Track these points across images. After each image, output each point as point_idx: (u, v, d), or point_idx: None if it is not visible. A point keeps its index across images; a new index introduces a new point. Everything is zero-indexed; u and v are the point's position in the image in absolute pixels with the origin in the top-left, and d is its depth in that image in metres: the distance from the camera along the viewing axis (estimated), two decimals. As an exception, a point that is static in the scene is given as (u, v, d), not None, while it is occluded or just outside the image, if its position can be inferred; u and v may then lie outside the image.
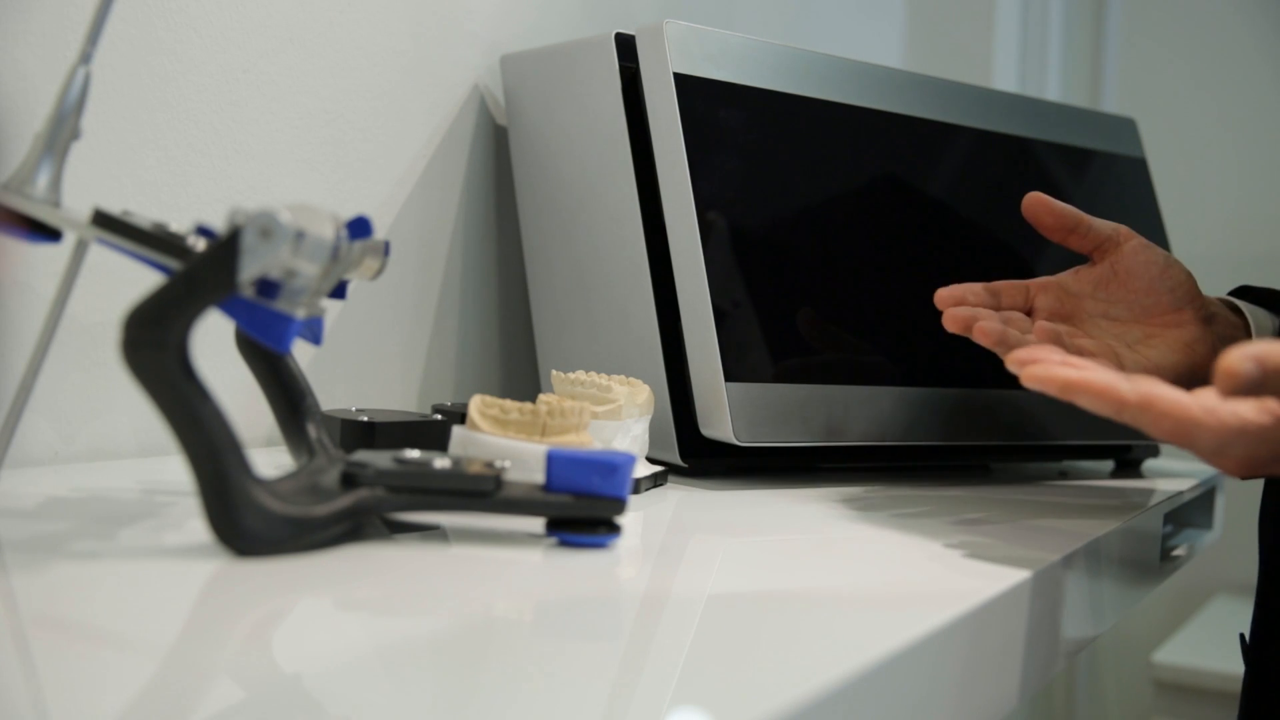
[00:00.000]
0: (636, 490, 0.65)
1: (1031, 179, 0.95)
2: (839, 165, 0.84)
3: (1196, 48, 1.77)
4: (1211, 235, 1.02)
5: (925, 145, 0.88)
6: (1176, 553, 0.85)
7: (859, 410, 0.77)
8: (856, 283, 0.81)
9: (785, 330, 0.76)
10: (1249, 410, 0.52)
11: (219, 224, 0.58)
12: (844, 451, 0.83)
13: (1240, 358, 0.49)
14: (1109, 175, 1.01)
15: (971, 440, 0.82)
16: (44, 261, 0.64)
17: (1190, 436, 0.52)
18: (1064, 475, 0.91)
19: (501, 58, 0.91)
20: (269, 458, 0.69)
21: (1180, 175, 1.02)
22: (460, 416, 0.60)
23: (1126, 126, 1.05)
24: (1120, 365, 0.68)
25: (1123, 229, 0.75)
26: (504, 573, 0.47)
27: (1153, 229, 1.03)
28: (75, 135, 0.50)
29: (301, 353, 0.77)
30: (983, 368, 0.82)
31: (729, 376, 0.72)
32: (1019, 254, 0.91)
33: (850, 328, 0.80)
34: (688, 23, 0.78)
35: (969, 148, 0.91)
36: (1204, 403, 0.52)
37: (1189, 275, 0.74)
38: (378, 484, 0.48)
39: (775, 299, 0.77)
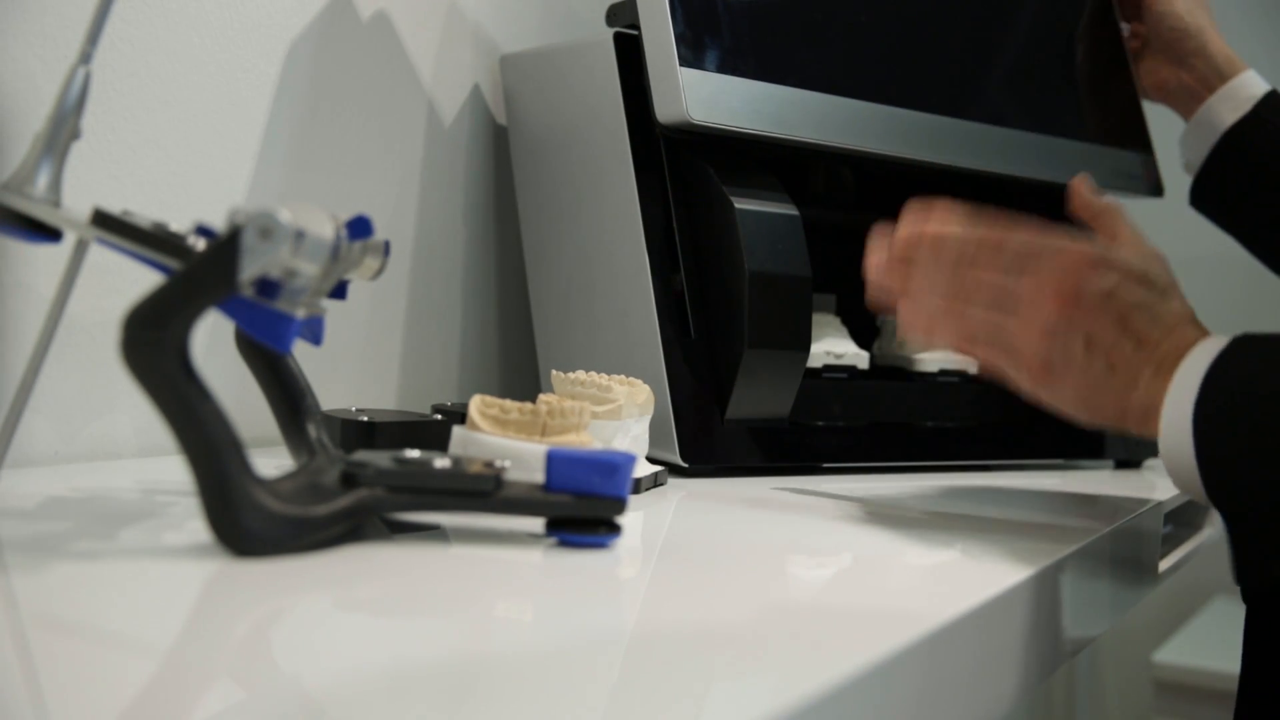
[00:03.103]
0: (636, 490, 0.65)
1: None
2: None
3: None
4: (1214, 234, 1.02)
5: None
6: (1176, 553, 0.85)
7: (811, 113, 0.80)
8: None
9: (743, 19, 0.78)
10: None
11: (219, 224, 0.58)
12: (843, 451, 0.83)
13: (1089, 186, 0.66)
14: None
15: (907, 154, 0.85)
16: (44, 261, 0.64)
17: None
18: (1063, 474, 0.91)
19: (501, 58, 0.91)
20: (269, 458, 0.69)
21: (1181, 175, 1.02)
22: (460, 416, 0.60)
23: None
24: None
25: None
26: (504, 573, 0.47)
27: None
28: (75, 135, 0.50)
29: (301, 353, 0.77)
30: (950, 93, 0.88)
31: (683, 62, 0.74)
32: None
33: (811, 31, 0.82)
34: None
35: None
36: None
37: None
38: (378, 484, 0.48)
39: None
